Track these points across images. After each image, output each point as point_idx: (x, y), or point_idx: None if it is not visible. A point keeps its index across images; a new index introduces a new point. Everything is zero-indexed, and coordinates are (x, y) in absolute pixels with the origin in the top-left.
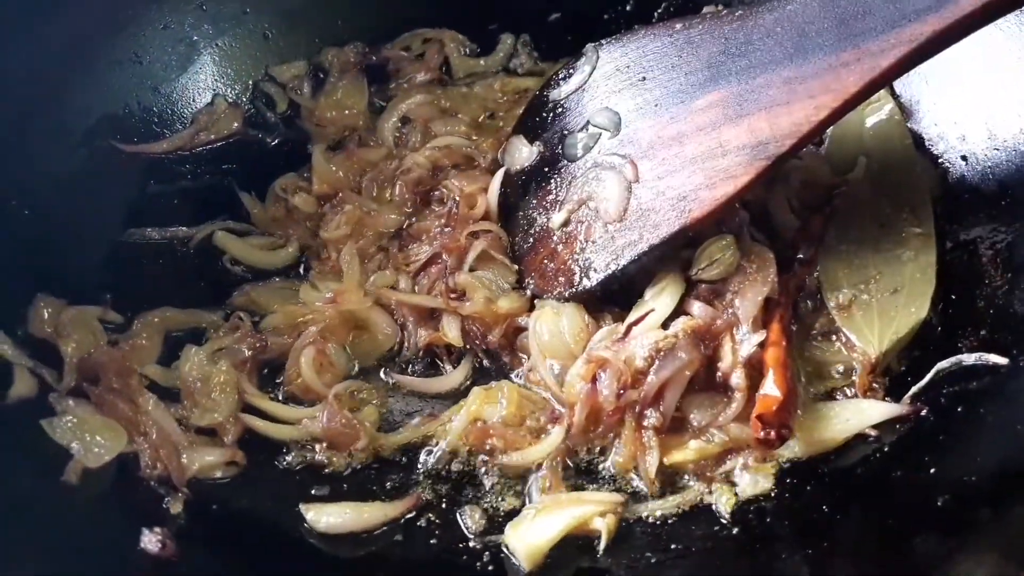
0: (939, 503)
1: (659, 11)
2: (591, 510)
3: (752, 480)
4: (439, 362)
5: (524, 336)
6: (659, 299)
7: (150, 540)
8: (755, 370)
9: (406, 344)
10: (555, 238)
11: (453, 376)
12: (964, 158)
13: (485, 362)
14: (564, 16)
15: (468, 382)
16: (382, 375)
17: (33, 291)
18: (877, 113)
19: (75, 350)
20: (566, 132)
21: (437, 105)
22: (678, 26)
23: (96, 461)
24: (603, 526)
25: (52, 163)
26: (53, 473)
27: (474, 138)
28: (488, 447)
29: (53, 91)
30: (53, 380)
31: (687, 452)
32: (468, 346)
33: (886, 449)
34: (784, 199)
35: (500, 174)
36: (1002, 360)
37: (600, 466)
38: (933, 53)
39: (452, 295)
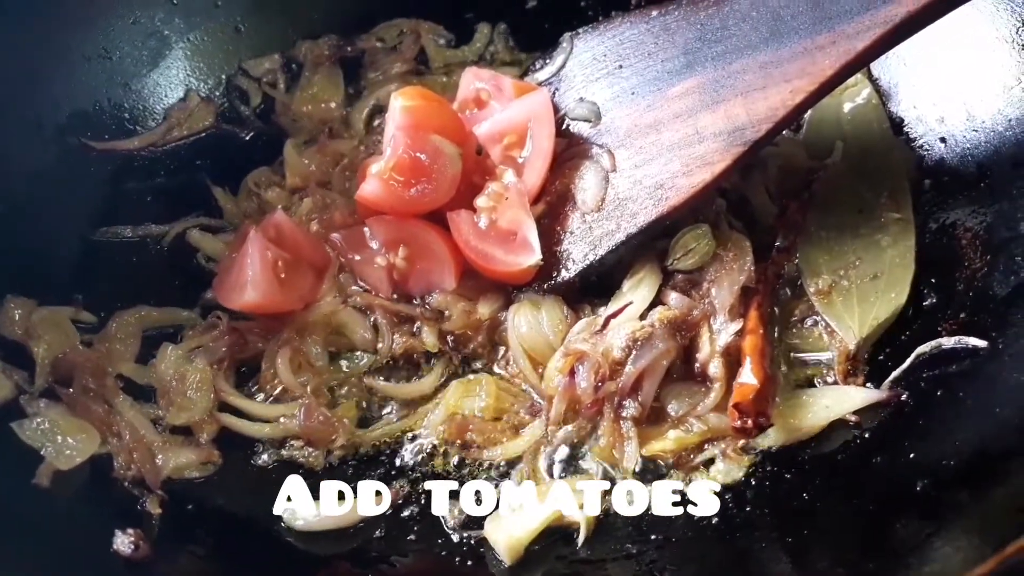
0: (918, 487)
1: None
2: (570, 502)
3: (725, 469)
4: (415, 363)
5: (503, 329)
6: (637, 291)
7: (123, 542)
8: (733, 359)
9: (381, 346)
10: None
11: (427, 380)
12: (943, 140)
13: (462, 360)
14: (541, 4)
15: (442, 382)
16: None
17: (2, 292)
18: (855, 98)
19: (47, 351)
20: None
21: None
22: (654, 13)
23: (68, 463)
24: (582, 518)
25: (21, 161)
26: (24, 476)
27: None
28: (467, 441)
29: (21, 88)
30: (24, 382)
31: (666, 442)
32: (443, 348)
33: (866, 435)
34: (762, 186)
35: None
36: (981, 343)
37: (579, 458)
38: (909, 34)
39: (428, 314)
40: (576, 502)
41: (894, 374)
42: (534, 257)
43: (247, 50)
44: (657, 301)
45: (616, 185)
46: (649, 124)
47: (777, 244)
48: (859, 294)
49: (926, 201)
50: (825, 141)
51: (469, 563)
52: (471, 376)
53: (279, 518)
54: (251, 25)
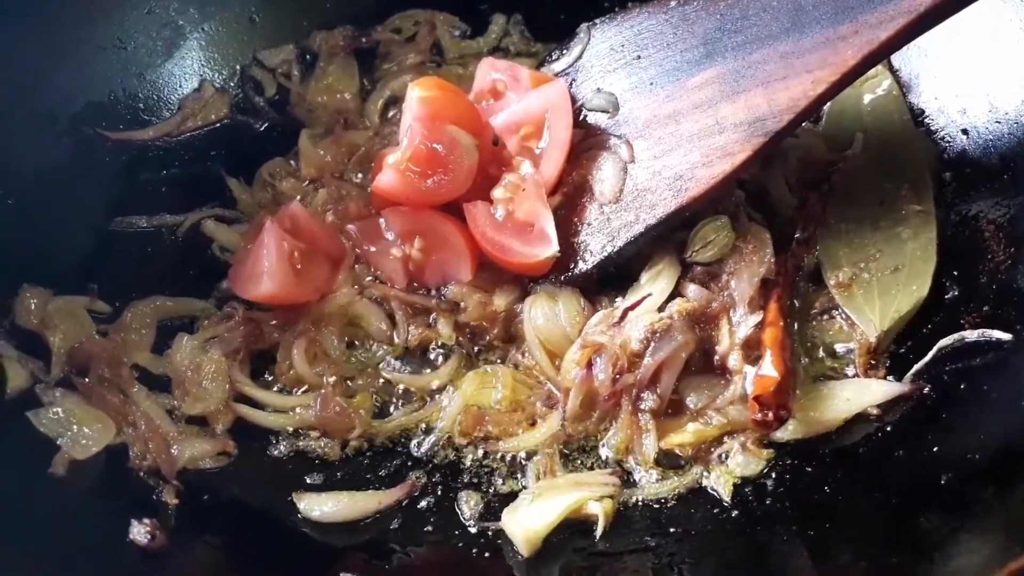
0: (942, 481)
1: None
2: (588, 494)
3: (744, 461)
4: (431, 354)
5: (519, 321)
6: (655, 283)
7: (139, 532)
8: (753, 351)
9: (397, 337)
10: None
11: (443, 372)
12: (965, 132)
13: (477, 351)
14: None
15: (459, 373)
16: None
17: (18, 282)
18: (875, 89)
19: (63, 341)
20: None
21: None
22: (673, 3)
23: (84, 453)
24: (600, 510)
25: (36, 151)
26: (40, 465)
27: None
28: (484, 433)
29: (36, 78)
30: (40, 372)
31: (685, 435)
32: (460, 340)
33: (888, 428)
34: (781, 177)
35: None
36: (1005, 336)
37: (598, 450)
38: (932, 24)
39: (444, 305)
40: (594, 494)
41: (916, 367)
42: (551, 249)
43: (262, 40)
44: (676, 293)
45: (635, 176)
46: (668, 115)
47: (797, 236)
48: (880, 287)
49: (948, 193)
50: (845, 132)
51: (486, 555)
52: (487, 368)
53: (295, 509)
54: (266, 15)
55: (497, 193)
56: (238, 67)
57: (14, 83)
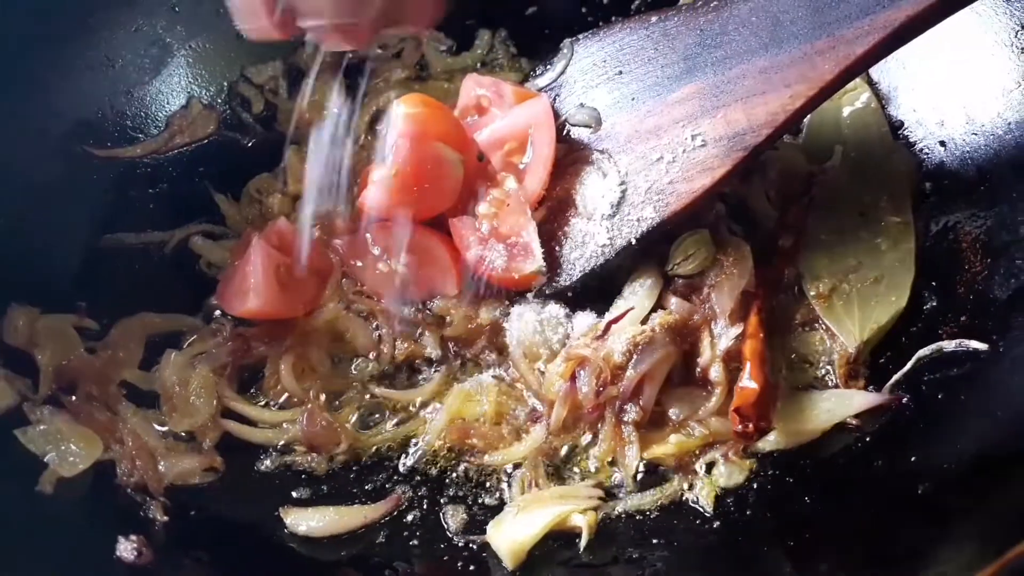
0: (920, 491)
1: (636, 3)
2: (572, 507)
3: (726, 472)
4: (417, 368)
5: (504, 335)
6: (638, 296)
7: (126, 548)
8: (734, 363)
9: (383, 352)
10: None
11: (428, 386)
12: (943, 144)
13: (462, 365)
14: (541, 10)
15: (444, 387)
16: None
17: (6, 300)
18: (854, 102)
19: (51, 359)
20: None
21: None
22: (654, 19)
23: (71, 470)
24: (584, 522)
25: (24, 169)
26: (28, 483)
27: None
28: (469, 446)
29: (24, 97)
30: (27, 390)
31: (667, 446)
32: (445, 354)
33: (867, 439)
34: (761, 190)
35: None
36: (982, 346)
37: (581, 463)
38: (909, 39)
39: (430, 319)
40: (578, 506)
41: (895, 377)
42: (535, 263)
43: (249, 57)
44: (658, 306)
45: (617, 191)
46: (649, 130)
47: (777, 249)
48: (859, 298)
49: (926, 205)
50: (825, 145)
51: (472, 568)
52: (472, 381)
53: (282, 524)
54: None
55: (482, 208)
56: (225, 84)
57: (2, 102)
